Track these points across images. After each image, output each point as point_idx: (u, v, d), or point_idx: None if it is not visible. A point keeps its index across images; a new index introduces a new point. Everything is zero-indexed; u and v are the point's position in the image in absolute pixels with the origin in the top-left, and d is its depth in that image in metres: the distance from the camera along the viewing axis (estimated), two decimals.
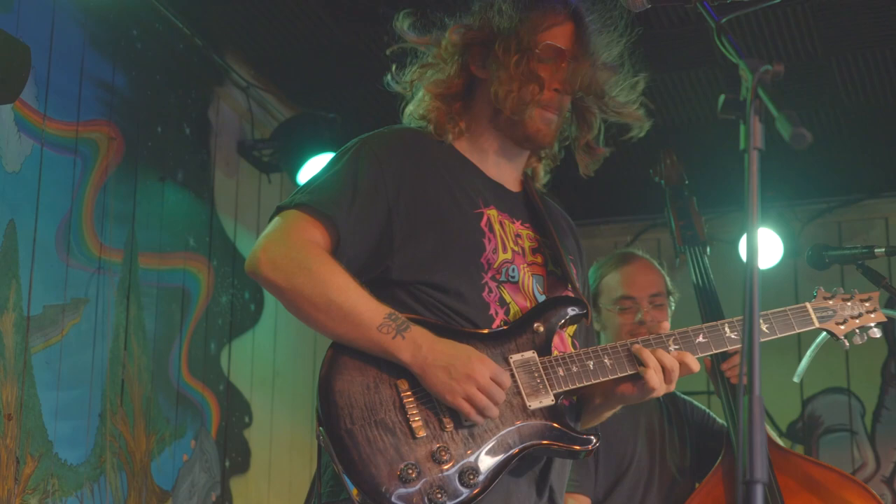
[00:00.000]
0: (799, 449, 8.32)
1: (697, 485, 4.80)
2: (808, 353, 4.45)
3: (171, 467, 6.26)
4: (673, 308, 5.04)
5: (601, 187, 8.54)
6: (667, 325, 3.48)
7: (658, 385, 3.30)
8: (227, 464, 6.82)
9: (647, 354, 3.31)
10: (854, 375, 8.44)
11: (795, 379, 4.53)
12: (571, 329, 3.51)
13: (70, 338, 5.52)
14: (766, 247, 8.21)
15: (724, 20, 2.75)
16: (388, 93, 3.71)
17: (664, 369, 3.31)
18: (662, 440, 4.87)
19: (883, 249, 4.24)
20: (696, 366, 3.37)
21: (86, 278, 5.67)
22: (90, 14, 5.80)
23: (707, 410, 5.11)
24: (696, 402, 5.12)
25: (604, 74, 3.55)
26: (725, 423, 4.81)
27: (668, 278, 5.07)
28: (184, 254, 6.55)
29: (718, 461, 4.66)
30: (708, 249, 5.06)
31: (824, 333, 4.38)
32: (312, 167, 6.92)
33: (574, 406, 3.47)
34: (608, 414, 3.59)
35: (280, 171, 7.33)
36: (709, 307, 4.89)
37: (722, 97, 2.46)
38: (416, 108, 3.61)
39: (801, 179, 8.11)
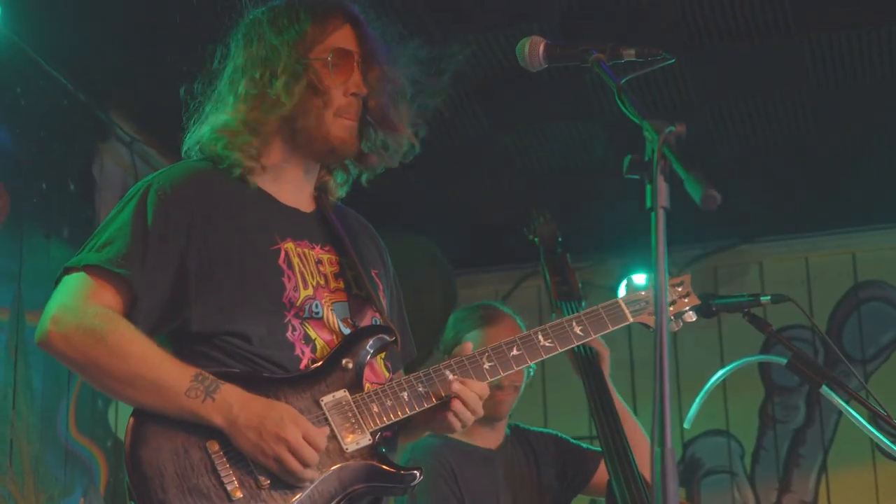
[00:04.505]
0: (681, 493, 8.39)
1: None
2: (698, 399, 4.52)
3: None
4: (532, 372, 5.06)
5: (481, 236, 8.63)
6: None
7: (463, 419, 3.29)
8: None
9: (463, 392, 3.27)
10: (733, 417, 8.55)
11: (686, 425, 4.56)
12: (384, 353, 3.42)
13: None
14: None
15: (623, 81, 2.82)
16: None
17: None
18: (522, 484, 4.89)
19: (769, 297, 4.32)
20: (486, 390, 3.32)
21: None
22: None
23: (556, 433, 5.10)
24: (543, 429, 5.14)
25: (396, 76, 3.49)
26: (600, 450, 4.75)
27: None
28: None
29: None
30: (583, 304, 4.84)
31: (716, 377, 4.47)
32: None
33: (395, 436, 3.41)
34: (424, 433, 3.53)
35: None
36: (587, 361, 4.73)
37: (627, 157, 2.51)
38: (207, 144, 3.44)
39: (678, 224, 8.18)
